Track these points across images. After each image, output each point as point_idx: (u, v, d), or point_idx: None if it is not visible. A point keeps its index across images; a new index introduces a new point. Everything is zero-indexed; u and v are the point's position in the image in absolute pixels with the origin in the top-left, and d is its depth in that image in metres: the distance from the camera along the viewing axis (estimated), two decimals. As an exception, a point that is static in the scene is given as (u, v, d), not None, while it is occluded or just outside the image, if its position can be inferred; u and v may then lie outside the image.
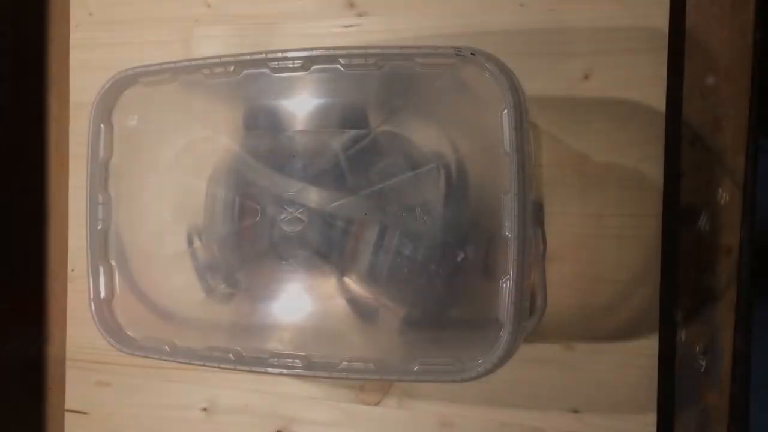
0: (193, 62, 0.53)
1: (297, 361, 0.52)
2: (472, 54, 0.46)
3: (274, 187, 0.58)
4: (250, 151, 0.60)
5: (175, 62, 0.53)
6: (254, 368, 0.51)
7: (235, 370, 0.52)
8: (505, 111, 0.46)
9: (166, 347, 0.54)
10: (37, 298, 0.80)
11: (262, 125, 0.60)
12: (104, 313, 0.56)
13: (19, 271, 0.82)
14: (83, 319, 0.76)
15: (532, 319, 0.48)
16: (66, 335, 0.77)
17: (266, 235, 0.59)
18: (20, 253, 0.82)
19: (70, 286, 0.77)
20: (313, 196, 0.56)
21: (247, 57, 0.51)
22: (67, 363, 0.77)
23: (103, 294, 0.56)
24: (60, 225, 0.79)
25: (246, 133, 0.61)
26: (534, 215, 0.47)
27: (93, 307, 0.56)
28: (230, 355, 0.52)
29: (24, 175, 0.82)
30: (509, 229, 0.45)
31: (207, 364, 0.52)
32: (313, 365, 0.51)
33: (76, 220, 0.76)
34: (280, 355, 0.54)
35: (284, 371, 0.51)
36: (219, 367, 0.52)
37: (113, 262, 0.58)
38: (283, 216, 0.57)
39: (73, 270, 0.77)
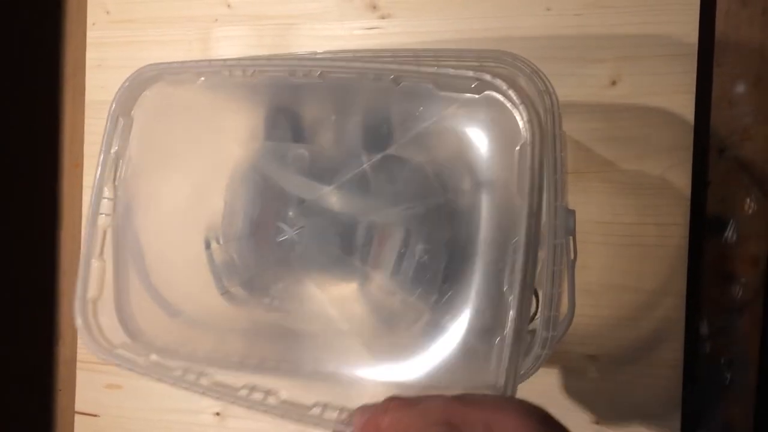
0: (227, 62, 0.52)
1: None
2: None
3: (296, 190, 0.57)
4: (272, 154, 0.59)
5: (209, 61, 0.53)
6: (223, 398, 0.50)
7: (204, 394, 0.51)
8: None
9: (140, 359, 0.53)
10: (48, 298, 0.79)
11: (283, 128, 0.59)
12: (88, 311, 0.55)
13: (31, 270, 0.81)
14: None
15: (561, 328, 0.47)
16: (77, 336, 0.76)
17: (286, 239, 0.58)
18: (32, 253, 0.81)
19: (82, 287, 0.76)
20: (336, 200, 0.55)
21: (277, 60, 0.50)
22: (78, 364, 0.76)
23: (90, 292, 0.55)
24: (73, 225, 0.78)
25: (268, 136, 0.60)
26: (565, 222, 0.46)
27: (77, 305, 0.55)
28: (202, 380, 0.51)
29: (37, 174, 0.81)
30: (548, 239, 0.44)
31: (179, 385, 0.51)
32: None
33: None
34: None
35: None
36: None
37: (106, 260, 0.57)
38: (304, 220, 0.56)
39: (85, 270, 0.75)
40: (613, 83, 0.60)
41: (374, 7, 0.67)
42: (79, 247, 0.76)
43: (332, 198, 0.55)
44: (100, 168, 0.56)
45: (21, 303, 0.81)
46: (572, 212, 0.46)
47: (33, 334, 0.81)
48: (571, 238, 0.46)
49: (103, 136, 0.55)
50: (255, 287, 0.66)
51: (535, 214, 0.43)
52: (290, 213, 0.58)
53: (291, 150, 0.58)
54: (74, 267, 0.77)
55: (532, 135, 0.44)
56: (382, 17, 0.66)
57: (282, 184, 0.58)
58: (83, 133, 0.77)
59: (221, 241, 0.63)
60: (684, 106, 0.59)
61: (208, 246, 0.63)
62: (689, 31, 0.58)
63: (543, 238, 0.52)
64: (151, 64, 0.54)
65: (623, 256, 0.60)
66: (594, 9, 0.60)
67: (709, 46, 0.59)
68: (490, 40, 0.63)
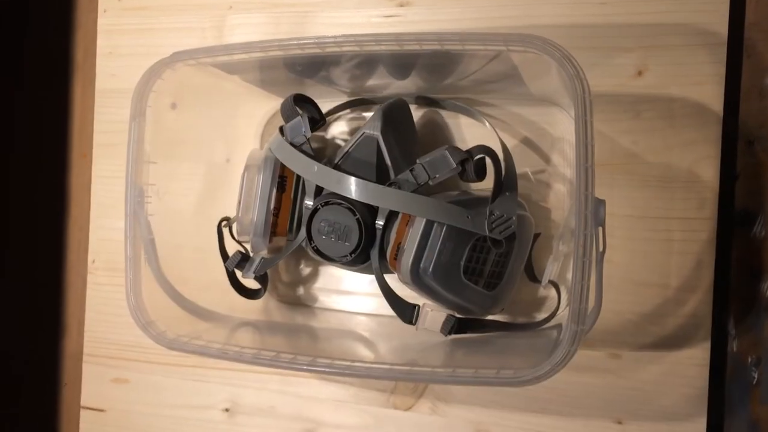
0: (253, 45, 0.50)
1: (328, 361, 0.49)
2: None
3: (314, 177, 0.55)
4: (290, 141, 0.57)
5: (237, 45, 0.51)
6: (294, 366, 0.48)
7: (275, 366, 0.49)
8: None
9: (215, 346, 0.51)
10: (54, 289, 0.78)
11: (300, 115, 0.58)
12: (139, 308, 0.53)
13: (37, 261, 0.79)
14: (102, 313, 0.74)
15: (588, 323, 0.46)
16: (84, 329, 0.74)
17: (303, 229, 0.56)
18: (38, 243, 0.80)
19: (89, 278, 0.74)
20: (355, 188, 0.53)
21: (294, 42, 0.49)
22: (84, 358, 0.74)
23: (137, 288, 0.53)
24: (81, 215, 0.77)
25: (285, 123, 0.58)
26: (595, 212, 0.44)
27: (133, 300, 0.53)
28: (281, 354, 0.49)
29: (44, 163, 0.80)
30: (572, 228, 0.42)
31: (257, 362, 0.49)
32: (349, 367, 0.48)
33: (99, 210, 0.74)
34: (309, 356, 0.51)
35: (318, 369, 0.48)
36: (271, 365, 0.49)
37: (143, 255, 0.55)
38: (321, 208, 0.55)
39: (93, 262, 0.74)
40: (640, 73, 0.58)
41: (393, -5, 0.65)
42: (87, 239, 0.74)
43: (351, 184, 0.53)
44: (131, 164, 0.54)
45: (26, 295, 0.80)
46: (602, 202, 0.44)
47: (38, 327, 0.79)
48: (600, 228, 0.44)
49: (130, 132, 0.53)
50: (268, 279, 0.65)
51: (587, 160, 0.42)
52: (307, 200, 0.57)
53: (308, 135, 0.57)
54: (82, 258, 0.76)
55: (579, 89, 0.42)
56: (401, 5, 0.65)
57: (299, 171, 0.56)
58: (93, 122, 0.75)
59: (235, 232, 0.61)
60: (712, 97, 0.57)
61: (221, 236, 0.62)
62: (719, 20, 0.57)
63: (570, 228, 0.50)
64: (180, 51, 0.52)
65: (649, 250, 0.58)
66: (620, -3, 0.59)
67: (739, 36, 0.57)
68: (511, 29, 0.61)
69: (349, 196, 0.53)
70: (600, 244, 0.45)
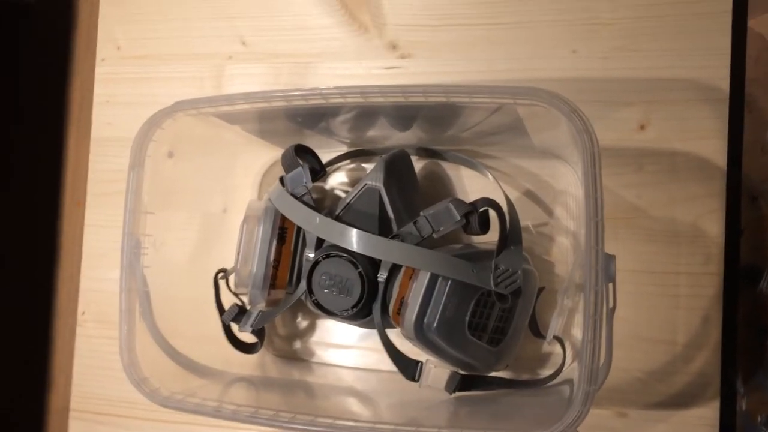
0: (255, 95, 0.50)
1: (329, 421, 0.47)
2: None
3: (315, 229, 0.54)
4: (290, 191, 0.56)
5: (239, 95, 0.50)
6: (293, 426, 0.46)
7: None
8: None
9: (211, 403, 0.49)
10: (43, 341, 0.75)
11: (300, 165, 0.57)
12: (133, 364, 0.51)
13: (27, 310, 0.77)
14: (90, 366, 0.71)
15: (598, 382, 0.44)
16: (71, 383, 0.72)
17: (303, 282, 0.55)
18: (28, 292, 0.77)
19: (78, 330, 0.72)
20: (357, 241, 0.52)
21: (298, 93, 0.48)
22: (71, 413, 0.71)
23: (131, 343, 0.52)
24: (72, 265, 0.75)
25: (286, 173, 0.57)
26: (606, 267, 0.43)
27: (126, 356, 0.51)
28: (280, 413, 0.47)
29: (36, 211, 0.78)
30: (577, 282, 0.41)
31: (255, 421, 0.47)
32: (351, 428, 0.46)
33: (91, 260, 0.72)
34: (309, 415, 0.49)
35: (319, 430, 0.46)
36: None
37: (138, 308, 0.53)
38: (322, 260, 0.53)
39: (83, 313, 0.72)
40: (642, 127, 0.58)
41: (394, 47, 0.65)
42: (77, 289, 0.72)
43: (353, 236, 0.52)
44: (128, 215, 0.53)
45: (13, 348, 0.77)
46: (612, 257, 0.43)
47: (24, 380, 0.77)
48: (611, 285, 0.43)
49: (129, 182, 0.52)
50: (265, 333, 0.63)
51: (597, 215, 0.42)
52: (307, 253, 0.55)
53: (308, 186, 0.56)
54: (71, 308, 0.74)
55: (587, 143, 0.42)
56: (402, 57, 0.65)
57: (299, 223, 0.55)
58: (87, 170, 0.74)
59: (233, 284, 0.60)
60: (716, 151, 0.57)
61: (217, 288, 0.60)
62: (720, 76, 0.57)
63: (574, 282, 0.49)
64: (182, 101, 0.52)
65: (655, 306, 0.57)
66: (621, 52, 0.59)
67: (740, 92, 0.58)
68: (515, 82, 0.61)
69: (351, 248, 0.52)
70: (610, 300, 0.44)
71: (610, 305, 0.44)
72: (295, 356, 0.66)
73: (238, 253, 0.58)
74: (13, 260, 0.79)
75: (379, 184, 0.54)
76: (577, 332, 0.57)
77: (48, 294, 0.76)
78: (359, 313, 0.54)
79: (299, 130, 0.62)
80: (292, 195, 0.56)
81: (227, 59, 0.70)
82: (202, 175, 0.64)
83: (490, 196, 0.52)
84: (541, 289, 0.58)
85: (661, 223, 0.58)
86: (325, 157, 0.63)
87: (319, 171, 0.59)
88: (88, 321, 0.72)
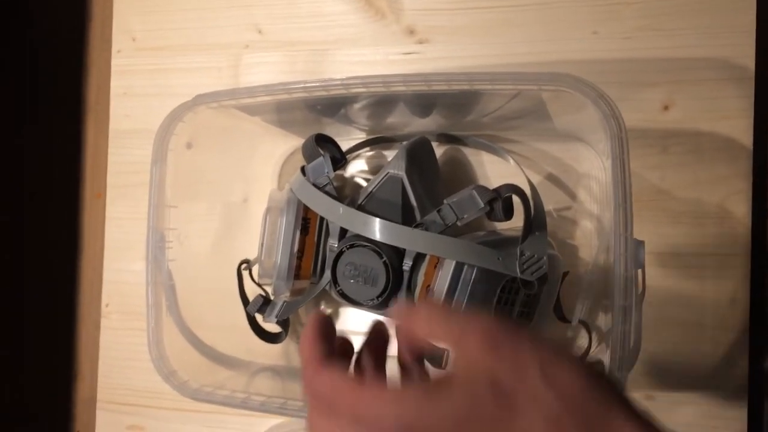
0: (276, 87, 0.50)
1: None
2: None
3: (339, 219, 0.54)
4: (312, 182, 0.56)
5: (260, 88, 0.50)
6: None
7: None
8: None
9: (239, 395, 0.49)
10: (67, 333, 0.76)
11: (321, 155, 0.57)
12: (162, 357, 0.52)
13: (49, 305, 0.78)
14: (116, 358, 0.72)
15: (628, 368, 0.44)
16: (98, 374, 0.72)
17: (327, 272, 0.55)
18: (51, 286, 0.78)
19: (103, 322, 0.73)
20: (382, 230, 0.52)
21: (319, 84, 0.48)
22: (98, 404, 0.72)
23: (159, 337, 0.52)
24: (94, 258, 0.75)
25: (307, 163, 0.57)
26: (635, 253, 0.43)
27: (155, 350, 0.51)
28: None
29: (57, 204, 0.78)
30: (614, 270, 0.41)
31: (283, 412, 0.48)
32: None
33: (113, 252, 0.73)
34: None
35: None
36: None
37: (164, 302, 0.53)
38: (347, 251, 0.53)
39: (107, 305, 0.72)
40: (666, 108, 0.58)
41: (411, 32, 0.65)
42: (101, 281, 0.73)
43: (376, 225, 0.52)
44: (152, 209, 0.53)
45: (39, 339, 0.78)
46: (642, 243, 0.43)
47: (51, 371, 0.77)
48: (641, 270, 0.43)
49: (152, 176, 0.53)
50: (290, 322, 0.64)
51: (626, 200, 0.42)
52: (331, 242, 0.55)
53: (327, 175, 0.56)
54: (95, 301, 0.74)
55: (615, 128, 0.42)
56: (420, 42, 0.64)
57: (323, 213, 0.55)
58: (106, 162, 0.74)
59: (256, 275, 0.60)
60: (741, 131, 0.56)
61: (240, 279, 0.61)
62: (746, 54, 0.56)
63: (599, 266, 0.49)
64: (203, 94, 0.52)
65: (681, 288, 0.57)
66: (643, 32, 0.58)
67: (766, 70, 0.57)
68: (535, 65, 0.60)
69: (375, 238, 0.52)
70: (640, 285, 0.44)
71: (639, 291, 0.44)
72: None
73: (262, 245, 0.58)
74: (35, 254, 0.79)
75: (401, 173, 0.54)
76: (602, 317, 0.57)
77: (71, 287, 0.76)
78: (384, 302, 0.54)
79: (318, 119, 0.61)
80: (314, 185, 0.56)
81: (244, 48, 0.69)
82: (221, 165, 0.64)
83: (513, 181, 0.52)
84: (565, 274, 0.58)
85: (686, 204, 0.57)
86: (344, 145, 0.63)
87: (340, 160, 0.59)
88: (112, 313, 0.72)
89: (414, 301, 0.54)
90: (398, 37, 0.65)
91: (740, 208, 0.56)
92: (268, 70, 0.69)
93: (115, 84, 0.74)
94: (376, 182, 0.55)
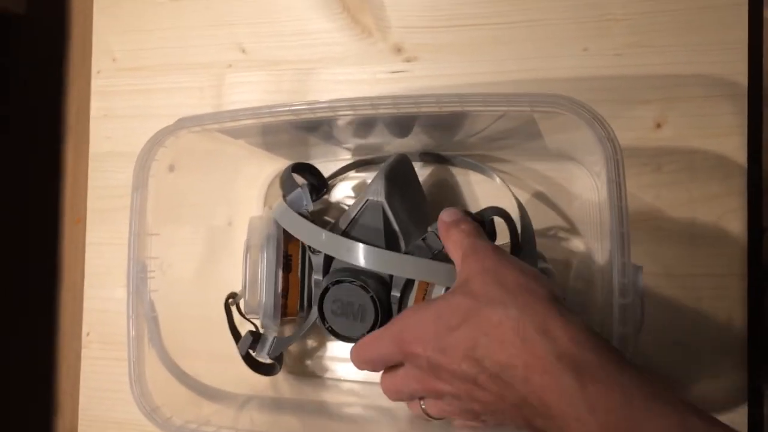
0: (262, 110, 0.48)
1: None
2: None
3: (322, 246, 0.52)
4: (295, 209, 0.54)
5: (244, 111, 0.48)
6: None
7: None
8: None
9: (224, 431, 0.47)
10: (47, 364, 0.74)
11: (299, 186, 0.56)
12: (144, 394, 0.49)
13: (30, 334, 0.75)
14: (98, 389, 0.70)
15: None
16: (78, 407, 0.70)
17: (314, 307, 0.53)
18: (30, 314, 0.76)
19: (84, 352, 0.70)
20: (367, 256, 0.50)
21: (306, 107, 0.46)
22: (80, 437, 0.70)
23: (141, 371, 0.50)
24: (75, 285, 0.73)
25: (285, 196, 0.56)
26: (633, 280, 0.41)
27: (137, 386, 0.49)
28: None
29: (35, 230, 0.76)
30: (613, 298, 0.40)
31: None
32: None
33: (94, 279, 0.70)
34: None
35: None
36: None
37: (146, 334, 0.51)
38: (332, 287, 0.51)
39: (88, 334, 0.70)
40: (659, 125, 0.57)
41: (399, 50, 0.63)
42: (81, 309, 0.71)
43: (362, 253, 0.50)
44: (133, 239, 0.51)
45: (18, 372, 0.75)
46: (640, 269, 0.42)
47: (31, 407, 0.75)
48: (638, 298, 0.42)
49: (133, 203, 0.51)
50: (283, 358, 0.61)
51: (623, 224, 0.42)
52: (317, 278, 0.53)
53: (306, 207, 0.55)
54: (76, 329, 0.72)
55: (610, 150, 0.42)
56: (407, 60, 0.63)
57: (306, 241, 0.53)
58: (86, 186, 0.72)
59: (244, 310, 0.58)
60: (735, 148, 0.55)
61: (229, 313, 0.58)
62: (738, 70, 0.55)
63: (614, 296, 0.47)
64: (185, 118, 0.50)
65: (677, 310, 0.56)
66: (635, 48, 0.58)
67: (758, 86, 0.56)
68: (526, 83, 0.59)
69: (360, 264, 0.50)
70: (638, 313, 0.42)
71: (638, 318, 0.42)
72: (309, 373, 0.65)
73: (245, 284, 0.56)
74: (13, 281, 0.77)
75: (381, 199, 0.52)
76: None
77: (51, 315, 0.74)
78: None
79: (304, 140, 0.60)
80: (297, 210, 0.54)
81: (227, 68, 0.68)
82: (205, 188, 0.62)
83: (501, 200, 0.51)
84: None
85: (681, 224, 0.56)
86: (329, 167, 0.61)
87: (321, 188, 0.58)
88: (93, 342, 0.70)
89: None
90: (385, 55, 0.64)
91: (735, 226, 0.55)
92: (251, 89, 0.67)
93: (96, 105, 0.72)
94: (357, 209, 0.52)
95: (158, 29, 0.70)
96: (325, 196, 0.64)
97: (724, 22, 0.56)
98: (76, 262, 0.74)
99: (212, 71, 0.68)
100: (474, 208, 0.51)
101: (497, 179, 0.59)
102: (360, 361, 0.45)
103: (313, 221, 0.53)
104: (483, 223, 0.48)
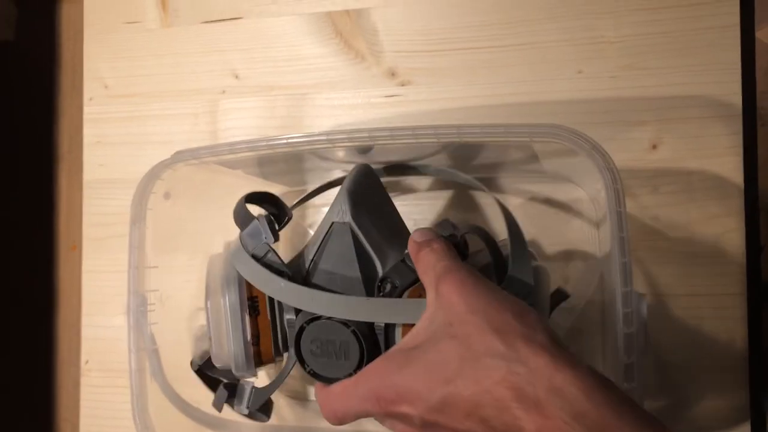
0: (259, 142, 0.47)
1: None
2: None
3: (282, 296, 0.46)
4: (251, 252, 0.49)
5: (242, 143, 0.48)
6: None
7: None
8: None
9: None
10: (46, 392, 0.73)
11: (257, 218, 0.50)
12: (147, 429, 0.49)
13: (28, 363, 0.75)
14: (98, 417, 0.69)
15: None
16: (78, 434, 0.69)
17: (291, 349, 0.47)
18: (28, 344, 0.75)
19: (83, 381, 0.70)
20: (334, 306, 0.44)
21: (305, 139, 0.46)
22: (80, 466, 0.69)
23: (143, 404, 0.50)
24: (71, 313, 0.73)
25: (241, 230, 0.51)
26: (637, 309, 0.41)
27: (139, 421, 0.49)
28: None
29: (30, 258, 0.76)
30: (616, 327, 0.40)
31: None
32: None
33: (92, 307, 0.70)
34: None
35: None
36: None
37: (148, 367, 0.51)
38: (307, 326, 0.45)
39: (87, 362, 0.70)
40: (654, 147, 0.57)
41: (393, 74, 0.63)
42: (79, 337, 0.70)
43: (326, 304, 0.44)
44: (132, 271, 0.50)
45: (17, 401, 0.75)
46: (643, 297, 0.42)
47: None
48: (642, 327, 0.42)
49: (131, 231, 0.50)
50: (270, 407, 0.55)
51: (625, 253, 0.41)
52: (289, 317, 0.48)
53: (266, 241, 0.48)
54: (74, 358, 0.72)
55: (610, 179, 0.41)
56: (402, 84, 0.63)
57: (255, 284, 0.47)
58: (81, 213, 0.71)
59: (213, 362, 0.51)
60: (731, 169, 0.56)
61: (203, 376, 0.53)
62: (732, 91, 0.56)
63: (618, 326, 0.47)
64: (182, 151, 0.49)
65: (677, 330, 0.56)
66: (629, 71, 0.58)
67: (752, 106, 0.56)
68: (520, 106, 0.60)
69: (327, 315, 0.44)
70: (642, 340, 0.42)
71: (641, 345, 0.42)
72: (310, 397, 0.64)
73: (210, 337, 0.49)
74: (10, 309, 0.76)
75: (347, 219, 0.47)
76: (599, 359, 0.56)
77: (48, 344, 0.73)
78: None
79: (299, 168, 0.60)
80: (253, 256, 0.48)
81: (220, 93, 0.68)
82: (201, 216, 0.61)
83: (484, 210, 0.48)
84: (561, 296, 0.54)
85: (679, 244, 0.56)
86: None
87: (283, 217, 0.53)
88: (92, 370, 0.70)
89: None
90: (379, 79, 0.64)
91: (734, 246, 0.55)
92: (246, 115, 0.67)
93: (88, 132, 0.72)
94: (323, 235, 0.47)
95: (150, 56, 0.70)
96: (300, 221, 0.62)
97: (717, 44, 0.56)
98: (72, 289, 0.73)
99: (206, 97, 0.68)
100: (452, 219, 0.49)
101: (475, 183, 0.55)
102: (329, 413, 0.41)
103: (275, 258, 0.48)
104: (457, 244, 0.44)
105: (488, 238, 0.47)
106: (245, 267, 0.48)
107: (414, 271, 0.44)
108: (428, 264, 0.41)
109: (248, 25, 0.67)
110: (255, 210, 0.53)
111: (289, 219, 0.54)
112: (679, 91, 0.57)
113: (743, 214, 0.55)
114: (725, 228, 0.55)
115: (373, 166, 0.54)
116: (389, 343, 0.45)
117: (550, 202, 0.60)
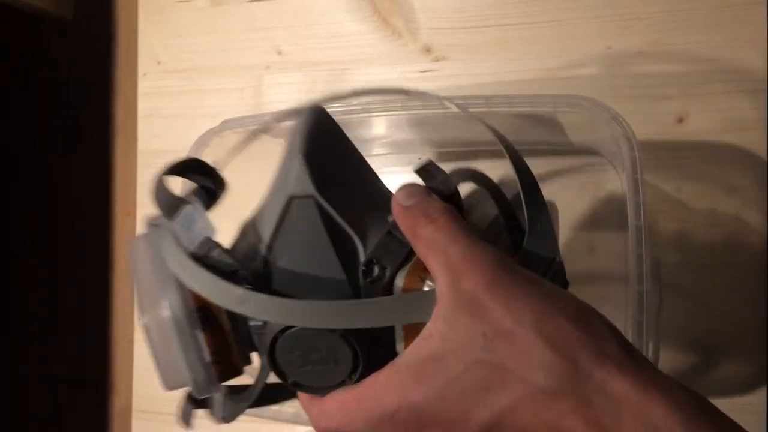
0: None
1: None
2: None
3: (241, 308, 0.33)
4: (190, 247, 0.37)
5: (286, 112, 0.50)
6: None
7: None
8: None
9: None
10: (100, 347, 0.79)
11: (187, 202, 0.39)
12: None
13: (84, 317, 0.80)
14: (150, 370, 0.74)
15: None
16: (132, 385, 0.75)
17: (264, 358, 0.36)
18: (83, 303, 0.81)
19: (136, 336, 0.75)
20: (304, 315, 0.33)
21: (343, 108, 0.50)
22: (134, 414, 0.75)
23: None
24: (126, 274, 0.78)
25: (168, 218, 0.39)
26: (651, 268, 0.44)
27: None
28: None
29: (89, 222, 0.81)
30: (631, 288, 0.43)
31: None
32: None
33: (144, 269, 0.75)
34: None
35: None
36: None
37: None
38: (281, 336, 0.34)
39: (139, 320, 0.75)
40: (681, 120, 0.59)
41: (428, 50, 0.66)
42: (132, 297, 0.75)
43: (299, 314, 0.33)
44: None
45: (73, 353, 0.81)
46: (658, 260, 0.44)
47: (84, 385, 0.80)
48: (657, 285, 0.44)
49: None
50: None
51: (642, 220, 0.42)
52: (254, 323, 0.36)
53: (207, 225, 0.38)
54: (127, 315, 0.77)
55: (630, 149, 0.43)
56: (437, 60, 0.66)
57: (204, 294, 0.34)
58: (136, 181, 0.76)
59: (165, 387, 0.40)
60: (755, 143, 0.57)
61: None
62: (759, 66, 0.57)
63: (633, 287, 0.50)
64: (229, 119, 0.53)
65: (697, 301, 0.58)
66: (657, 46, 0.60)
67: (779, 80, 0.58)
68: (551, 81, 0.62)
69: (307, 326, 0.33)
70: (657, 299, 0.45)
71: (657, 304, 0.45)
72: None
73: (155, 358, 0.38)
74: (67, 269, 0.82)
75: (310, 192, 0.35)
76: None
77: (103, 302, 0.79)
78: (364, 375, 0.34)
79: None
80: (192, 255, 0.35)
81: (265, 69, 0.72)
82: (245, 183, 0.65)
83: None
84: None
85: (702, 216, 0.58)
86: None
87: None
88: (144, 327, 0.75)
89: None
90: (415, 55, 0.67)
91: (756, 219, 0.57)
92: (288, 90, 0.71)
93: (142, 106, 0.76)
94: (278, 213, 0.35)
95: (199, 33, 0.74)
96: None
97: (743, 20, 0.57)
98: (125, 252, 0.78)
99: (251, 73, 0.72)
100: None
101: (454, 108, 0.44)
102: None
103: (212, 264, 0.35)
104: (456, 202, 0.35)
105: (493, 188, 0.40)
106: (184, 272, 0.35)
107: (405, 244, 0.34)
108: (434, 244, 0.31)
109: (292, 4, 0.71)
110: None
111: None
112: (704, 67, 0.58)
113: (766, 187, 0.57)
114: (748, 200, 0.57)
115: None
116: (387, 338, 0.34)
117: (575, 176, 0.62)
